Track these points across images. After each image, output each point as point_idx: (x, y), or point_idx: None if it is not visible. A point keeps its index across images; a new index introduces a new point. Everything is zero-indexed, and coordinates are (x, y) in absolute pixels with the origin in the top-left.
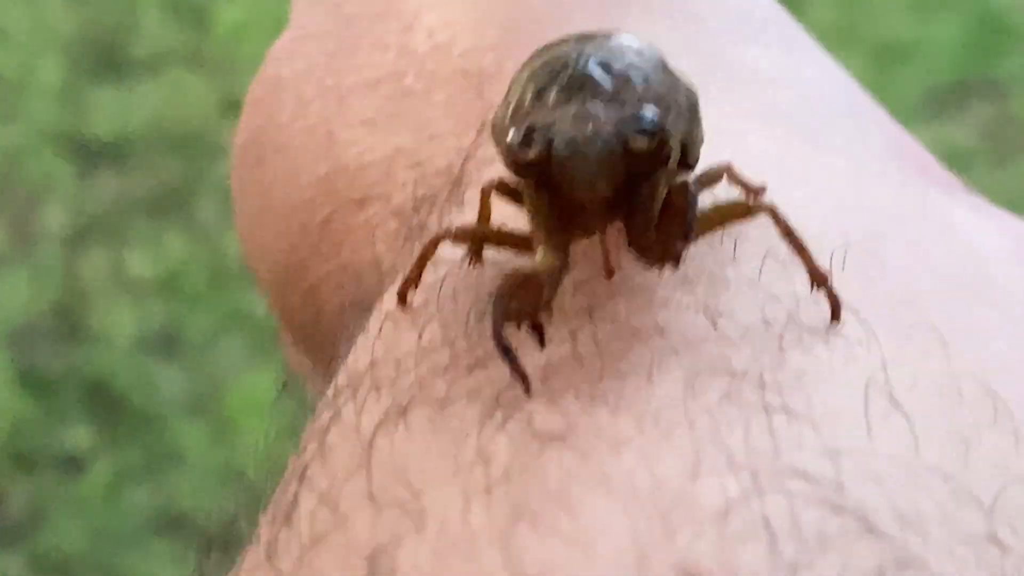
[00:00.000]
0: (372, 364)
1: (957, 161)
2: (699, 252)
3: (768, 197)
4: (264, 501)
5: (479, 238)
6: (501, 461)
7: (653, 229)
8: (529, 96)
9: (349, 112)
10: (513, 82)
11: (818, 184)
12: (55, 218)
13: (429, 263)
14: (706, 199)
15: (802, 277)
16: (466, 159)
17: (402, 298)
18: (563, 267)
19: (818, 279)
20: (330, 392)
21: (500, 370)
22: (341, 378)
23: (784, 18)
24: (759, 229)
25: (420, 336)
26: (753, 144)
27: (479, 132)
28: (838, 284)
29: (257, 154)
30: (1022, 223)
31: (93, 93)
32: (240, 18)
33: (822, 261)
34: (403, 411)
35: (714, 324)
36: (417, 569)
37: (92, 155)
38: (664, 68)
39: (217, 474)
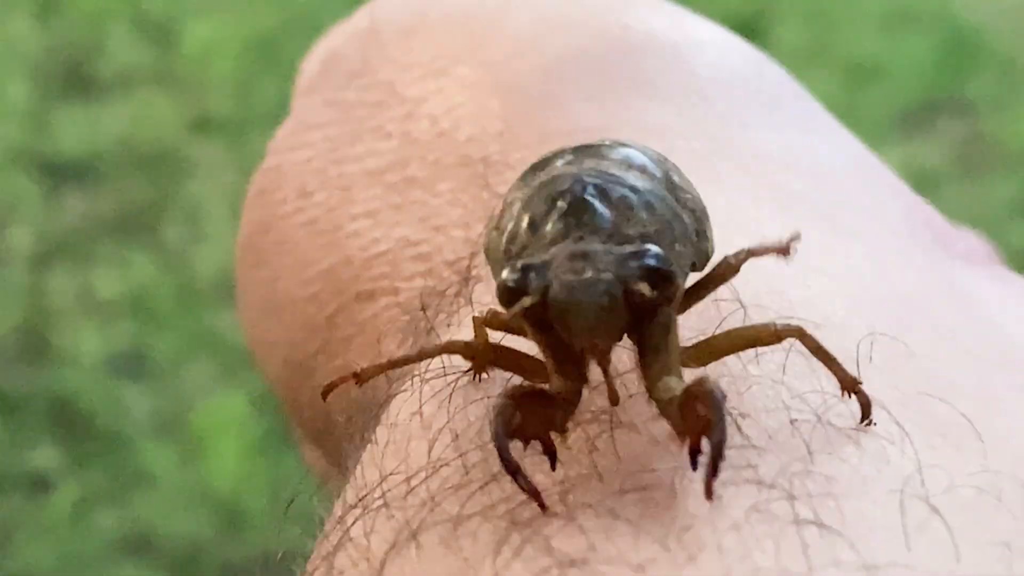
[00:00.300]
0: (381, 479)
1: (927, 181)
2: None
3: (792, 307)
4: None
5: (486, 357)
6: None
7: (673, 372)
8: (524, 226)
9: (353, 203)
10: (508, 203)
11: (838, 272)
12: (22, 238)
13: (424, 367)
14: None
15: (827, 377)
16: (473, 253)
17: (357, 376)
18: (579, 391)
19: (849, 386)
20: (338, 510)
21: (515, 485)
22: (350, 494)
23: (794, 91)
24: (782, 324)
25: (430, 449)
26: (768, 233)
27: (487, 224)
28: (865, 377)
29: (260, 247)
30: None
31: (60, 112)
32: (208, 37)
33: (847, 354)
34: (414, 533)
35: (738, 428)
36: None
37: (59, 174)
38: (669, 184)
39: (185, 496)
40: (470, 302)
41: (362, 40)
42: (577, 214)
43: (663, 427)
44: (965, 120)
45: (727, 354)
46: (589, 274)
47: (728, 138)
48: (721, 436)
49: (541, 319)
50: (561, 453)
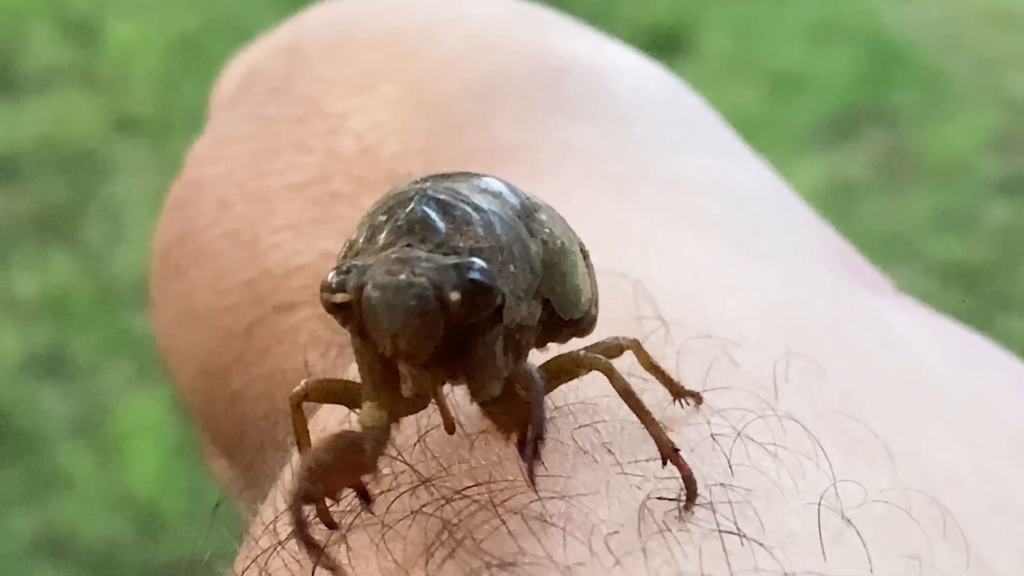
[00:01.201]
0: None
1: (849, 191)
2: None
3: (712, 325)
4: None
5: (325, 393)
6: None
7: (491, 389)
8: (363, 236)
9: (274, 216)
10: (359, 224)
11: (754, 294)
12: None
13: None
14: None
15: (744, 393)
16: None
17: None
18: (388, 425)
19: (676, 393)
20: (268, 513)
21: (446, 488)
22: (279, 499)
23: (711, 119)
24: (701, 342)
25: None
26: (687, 255)
27: None
28: (782, 396)
29: (178, 258)
30: (955, 327)
31: None
32: (132, 36)
33: (763, 373)
34: (344, 536)
35: (547, 421)
36: None
37: None
38: (525, 213)
39: (103, 498)
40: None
41: (285, 56)
42: (411, 224)
43: (589, 437)
44: (888, 131)
45: (573, 369)
46: (403, 277)
47: (647, 161)
48: (540, 413)
49: (356, 323)
50: (489, 461)
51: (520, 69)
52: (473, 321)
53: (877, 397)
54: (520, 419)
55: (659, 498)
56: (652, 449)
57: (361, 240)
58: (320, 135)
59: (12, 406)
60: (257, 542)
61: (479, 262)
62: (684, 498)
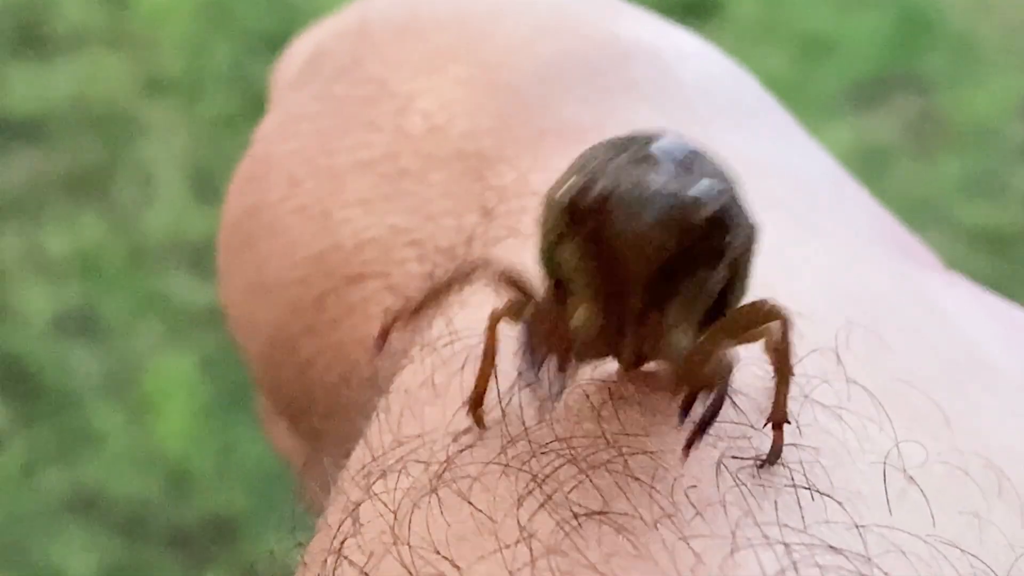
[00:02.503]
0: (397, 442)
1: (878, 156)
2: None
3: (779, 300)
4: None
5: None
6: (543, 537)
7: (677, 349)
8: (593, 163)
9: (344, 191)
10: (573, 163)
11: (816, 270)
12: None
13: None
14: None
15: (814, 358)
16: (470, 239)
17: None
18: (595, 342)
19: (779, 422)
20: (356, 467)
21: (532, 446)
22: (365, 454)
23: (771, 105)
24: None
25: (445, 414)
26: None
27: (483, 214)
28: (845, 362)
29: (247, 231)
30: (1003, 303)
31: (11, 69)
32: None
33: (827, 344)
34: (434, 489)
35: (733, 403)
36: None
37: (9, 132)
38: (737, 186)
39: (133, 456)
40: (470, 283)
41: (353, 37)
42: (650, 155)
43: (666, 400)
44: (917, 96)
45: (756, 319)
46: (655, 186)
47: (710, 141)
48: (719, 402)
49: (594, 231)
50: (569, 418)
51: (587, 52)
52: (696, 254)
53: (933, 370)
54: (695, 384)
55: (734, 457)
56: (726, 414)
57: (594, 162)
58: (389, 114)
59: (43, 365)
60: (347, 495)
61: (726, 193)
62: (762, 460)
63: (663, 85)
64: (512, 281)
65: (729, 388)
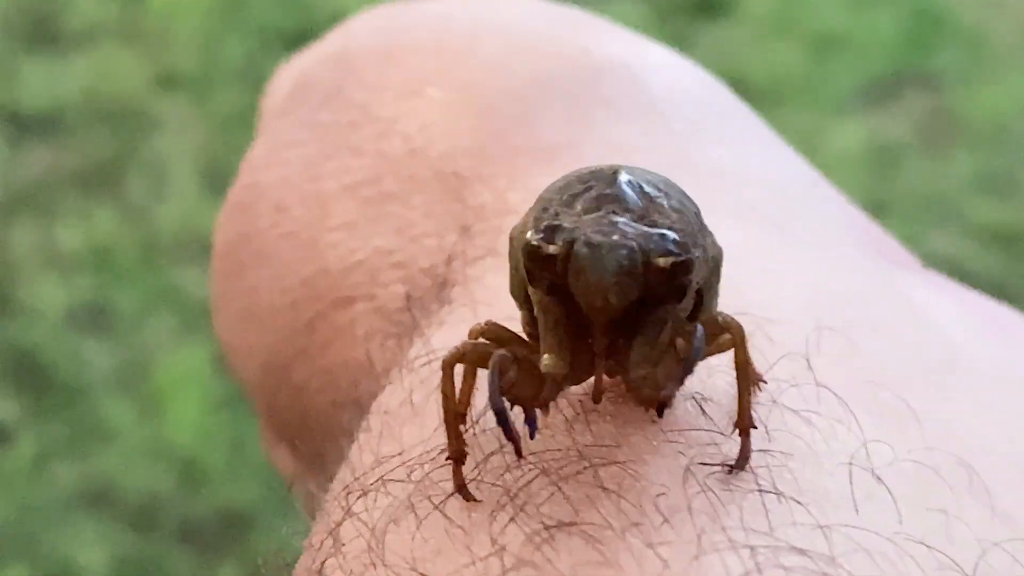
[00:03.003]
0: (377, 462)
1: (890, 153)
2: (682, 346)
3: (749, 305)
4: None
5: (482, 357)
6: (514, 550)
7: (647, 365)
8: (555, 203)
9: (330, 216)
10: (538, 198)
11: (789, 275)
12: None
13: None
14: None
15: (784, 363)
16: (449, 259)
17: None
18: (566, 376)
19: (745, 429)
20: (338, 488)
21: (504, 460)
22: (347, 474)
23: (744, 112)
24: (739, 319)
25: (423, 432)
26: (725, 241)
27: (461, 233)
28: (815, 367)
29: (238, 259)
30: (985, 301)
31: (26, 64)
32: None
33: (798, 348)
34: (412, 506)
35: (702, 410)
36: None
37: (23, 127)
38: (697, 214)
39: (144, 450)
40: (450, 301)
41: (335, 64)
42: (610, 196)
43: (635, 409)
44: (930, 94)
45: (717, 331)
46: (615, 237)
47: (685, 153)
48: (694, 361)
49: (557, 281)
50: (542, 432)
51: (562, 70)
52: (660, 293)
53: (905, 368)
54: (668, 376)
55: (702, 463)
56: (696, 421)
57: (555, 205)
58: (371, 139)
59: (56, 358)
60: (329, 515)
61: (679, 236)
62: (730, 465)
63: (636, 100)
64: (493, 334)
65: (696, 360)
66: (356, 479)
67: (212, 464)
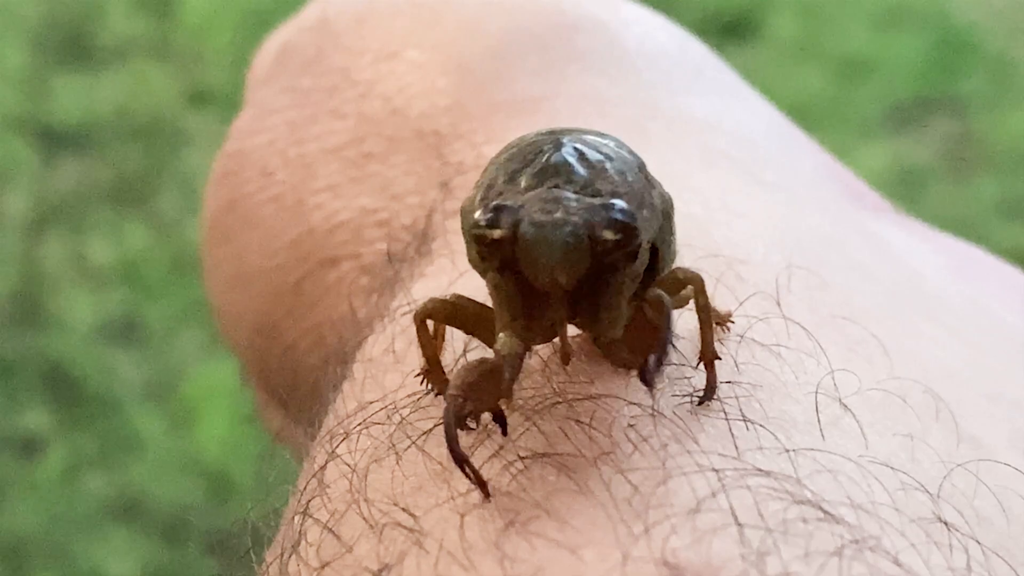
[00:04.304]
0: (360, 407)
1: (915, 178)
2: None
3: (719, 246)
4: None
5: (449, 315)
6: (492, 480)
7: (616, 330)
8: (501, 179)
9: (315, 179)
10: (485, 169)
11: (759, 217)
12: (17, 203)
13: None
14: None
15: (754, 300)
16: (430, 213)
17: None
18: (523, 353)
19: (709, 362)
20: (323, 434)
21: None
22: (331, 421)
23: (715, 64)
24: (709, 261)
25: (404, 379)
26: (695, 185)
27: (441, 188)
28: (785, 304)
29: (226, 225)
30: (955, 242)
31: (58, 79)
32: (207, 9)
33: (767, 286)
34: (393, 446)
35: (675, 348)
36: None
37: (55, 141)
38: (641, 169)
39: (174, 462)
40: (430, 252)
41: (315, 31)
42: (553, 168)
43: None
44: (955, 118)
45: (679, 285)
46: (559, 215)
47: (656, 104)
48: (667, 335)
49: (507, 258)
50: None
51: (535, 27)
52: (612, 260)
53: (875, 304)
54: (642, 349)
55: (673, 395)
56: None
57: (500, 182)
58: (351, 101)
59: (87, 371)
60: (314, 460)
61: (623, 203)
62: (699, 397)
63: (609, 54)
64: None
65: (671, 333)
66: (339, 423)
67: (241, 476)
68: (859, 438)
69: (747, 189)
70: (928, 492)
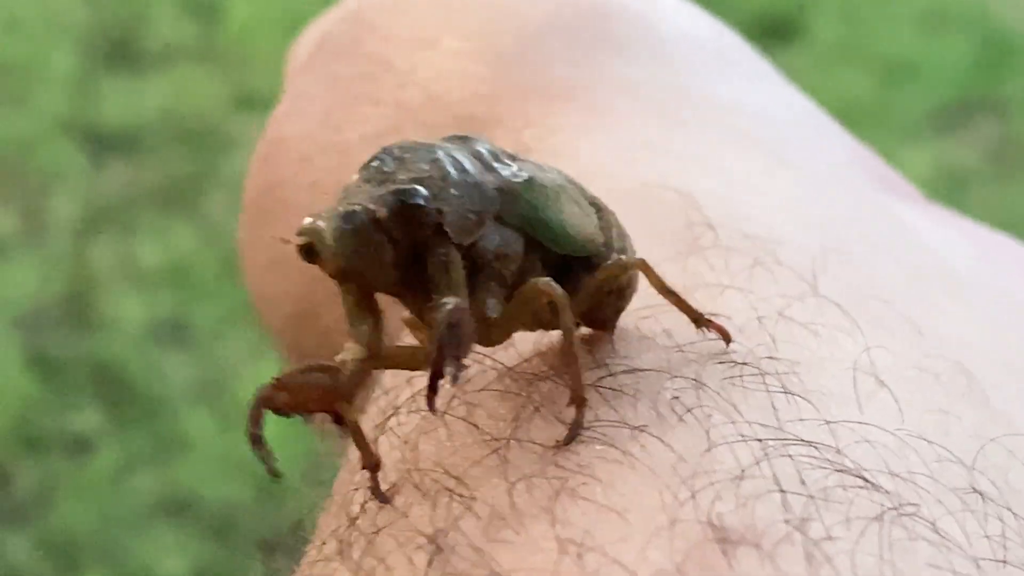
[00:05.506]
0: (409, 382)
1: (959, 180)
2: (694, 266)
3: (751, 226)
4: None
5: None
6: (538, 449)
7: (483, 311)
8: (340, 190)
9: (352, 164)
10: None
11: (789, 199)
12: (66, 206)
13: None
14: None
15: (791, 281)
16: None
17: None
18: (369, 358)
19: (699, 321)
20: (372, 410)
21: (532, 369)
22: (381, 398)
23: (748, 53)
24: (746, 241)
25: None
26: (726, 167)
27: None
28: (819, 284)
29: (265, 209)
30: (982, 228)
31: (105, 83)
32: (252, 14)
33: (801, 266)
34: (442, 417)
35: (703, 330)
36: (473, 545)
37: (103, 145)
38: (492, 157)
39: (223, 462)
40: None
41: (351, 20)
42: (369, 171)
43: (651, 324)
44: (998, 120)
45: (594, 296)
46: (340, 208)
47: (689, 90)
48: (435, 348)
49: (320, 267)
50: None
51: (570, 14)
52: (420, 239)
53: (903, 284)
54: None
55: (719, 363)
56: (697, 337)
57: (339, 194)
58: (389, 89)
59: (137, 372)
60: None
61: (409, 185)
62: (740, 361)
63: (644, 41)
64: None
65: (438, 348)
66: (388, 401)
67: (289, 476)
68: (895, 412)
69: (776, 172)
70: (963, 464)
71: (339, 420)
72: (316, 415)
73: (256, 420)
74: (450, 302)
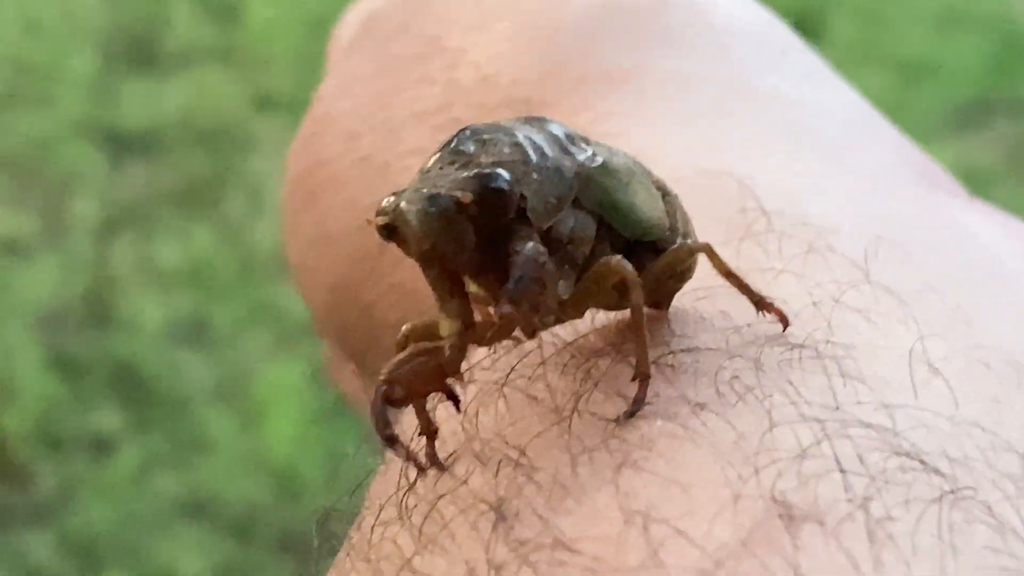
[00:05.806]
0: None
1: (979, 179)
2: (748, 251)
3: (808, 216)
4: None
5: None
6: (600, 423)
7: (550, 294)
8: (417, 169)
9: (402, 142)
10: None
11: (840, 193)
12: (86, 207)
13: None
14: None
15: (845, 268)
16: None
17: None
18: (466, 330)
19: (760, 304)
20: None
21: (589, 345)
22: None
23: (800, 47)
24: (800, 228)
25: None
26: (780, 159)
27: None
28: (874, 272)
29: (310, 187)
30: (1020, 223)
31: (125, 85)
32: (272, 15)
33: (856, 256)
34: (499, 389)
35: (768, 309)
36: (537, 513)
37: (123, 146)
38: (568, 140)
39: (244, 461)
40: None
41: (402, 1)
42: (449, 152)
43: (712, 303)
44: (1018, 120)
45: (659, 281)
46: (425, 191)
47: (741, 81)
48: (516, 271)
49: (403, 251)
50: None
51: (624, 2)
52: (502, 223)
53: (954, 278)
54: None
55: (776, 346)
56: (756, 319)
57: (416, 174)
58: (441, 69)
59: (157, 372)
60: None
61: (493, 169)
62: (796, 344)
63: (697, 31)
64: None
65: (517, 272)
66: None
67: (310, 475)
68: (949, 399)
69: (827, 167)
70: (1016, 452)
71: (452, 396)
72: (426, 398)
73: (385, 421)
74: (531, 246)
